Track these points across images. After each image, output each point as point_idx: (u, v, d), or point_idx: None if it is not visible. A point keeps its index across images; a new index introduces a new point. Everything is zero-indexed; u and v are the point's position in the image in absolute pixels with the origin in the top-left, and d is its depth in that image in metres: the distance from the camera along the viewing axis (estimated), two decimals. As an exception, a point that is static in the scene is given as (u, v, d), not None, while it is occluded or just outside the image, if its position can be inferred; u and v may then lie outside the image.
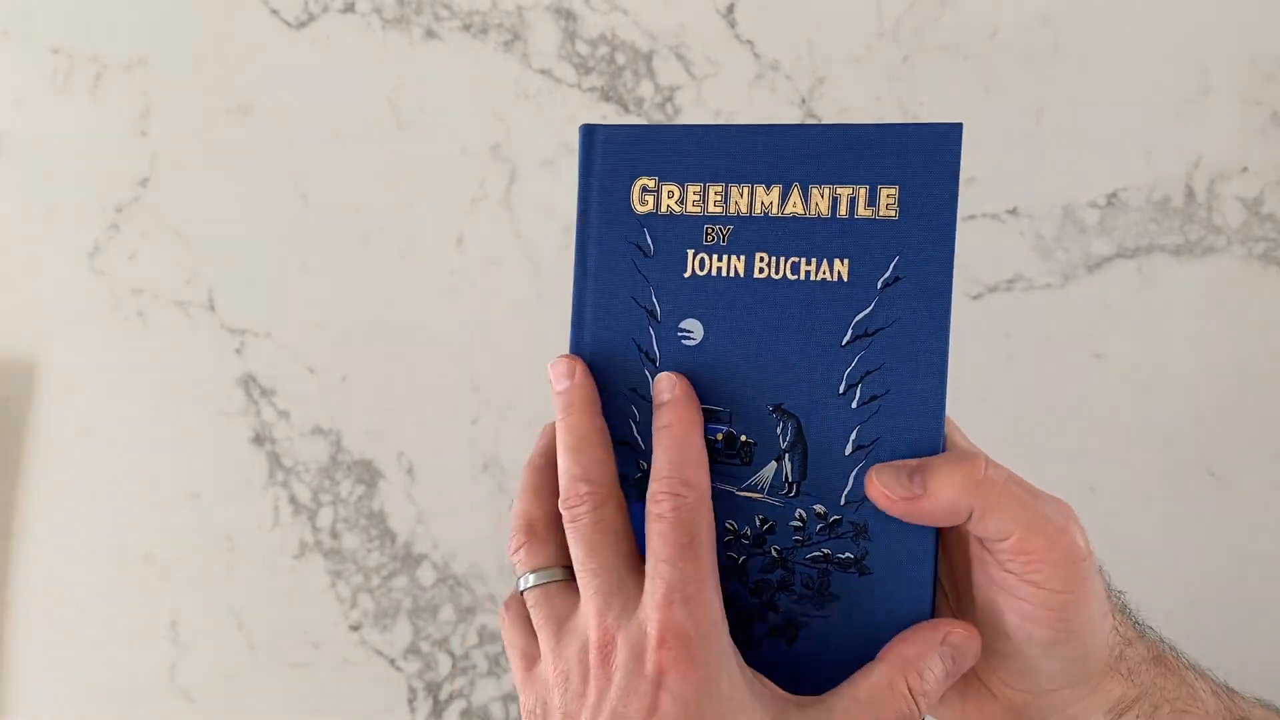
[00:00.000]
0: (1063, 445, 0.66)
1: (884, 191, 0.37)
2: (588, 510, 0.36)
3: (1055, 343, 0.66)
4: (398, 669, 0.76)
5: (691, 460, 0.36)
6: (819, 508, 0.38)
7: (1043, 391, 0.66)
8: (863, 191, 0.37)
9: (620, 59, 0.68)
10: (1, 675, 0.77)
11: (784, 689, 0.37)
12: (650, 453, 0.39)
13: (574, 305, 0.40)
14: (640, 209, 0.39)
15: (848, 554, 0.38)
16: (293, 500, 0.74)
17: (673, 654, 0.33)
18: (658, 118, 0.68)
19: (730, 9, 0.67)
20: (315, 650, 0.76)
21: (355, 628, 0.76)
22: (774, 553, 0.39)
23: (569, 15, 0.68)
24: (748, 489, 0.38)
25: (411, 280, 0.71)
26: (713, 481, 0.38)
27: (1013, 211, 0.66)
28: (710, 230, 0.38)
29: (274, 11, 0.69)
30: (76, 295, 0.73)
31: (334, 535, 0.75)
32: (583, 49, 0.68)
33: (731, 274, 0.38)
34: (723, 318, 0.38)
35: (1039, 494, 0.35)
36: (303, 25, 0.69)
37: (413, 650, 0.75)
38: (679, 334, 0.39)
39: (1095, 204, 0.66)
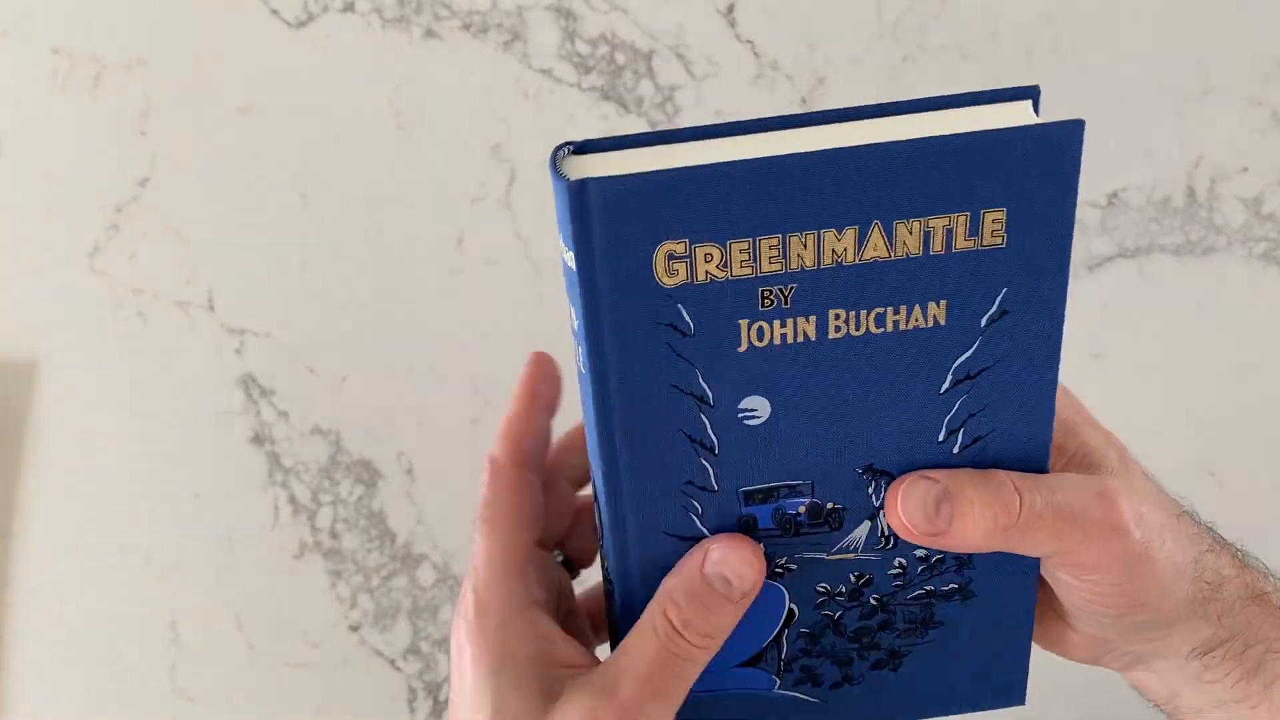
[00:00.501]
0: (1063, 445, 0.66)
1: (989, 216, 0.30)
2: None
3: (1055, 343, 0.66)
4: (398, 669, 0.76)
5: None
6: (919, 551, 0.34)
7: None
8: (962, 220, 0.30)
9: (620, 59, 0.68)
10: (1, 675, 0.77)
11: (891, 712, 0.36)
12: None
13: (594, 400, 0.32)
14: (669, 282, 0.30)
15: (952, 585, 0.35)
16: (292, 500, 0.74)
17: None
18: (658, 117, 0.68)
19: (730, 9, 0.67)
20: (315, 650, 0.76)
21: (355, 628, 0.75)
22: (873, 601, 0.35)
23: (569, 15, 0.68)
24: (839, 552, 0.34)
25: (411, 280, 0.71)
26: (798, 551, 0.34)
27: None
28: (768, 294, 0.30)
29: (274, 11, 0.69)
30: (76, 295, 0.73)
31: (334, 535, 0.75)
32: (583, 49, 0.68)
33: (800, 339, 0.31)
34: (793, 388, 0.31)
35: (1080, 500, 0.32)
36: (302, 25, 0.69)
37: (413, 650, 0.75)
38: (739, 415, 0.32)
39: (1096, 204, 0.66)
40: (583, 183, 0.29)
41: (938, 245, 0.30)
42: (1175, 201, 0.66)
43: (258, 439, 0.74)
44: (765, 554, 0.34)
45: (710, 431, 0.32)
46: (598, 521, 0.35)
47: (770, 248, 0.29)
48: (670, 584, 0.33)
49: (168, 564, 0.75)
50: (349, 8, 0.69)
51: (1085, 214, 0.66)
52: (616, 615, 0.36)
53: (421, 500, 0.74)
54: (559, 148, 0.31)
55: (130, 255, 0.72)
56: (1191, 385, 0.66)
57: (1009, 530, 0.32)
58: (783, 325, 0.31)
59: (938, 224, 0.30)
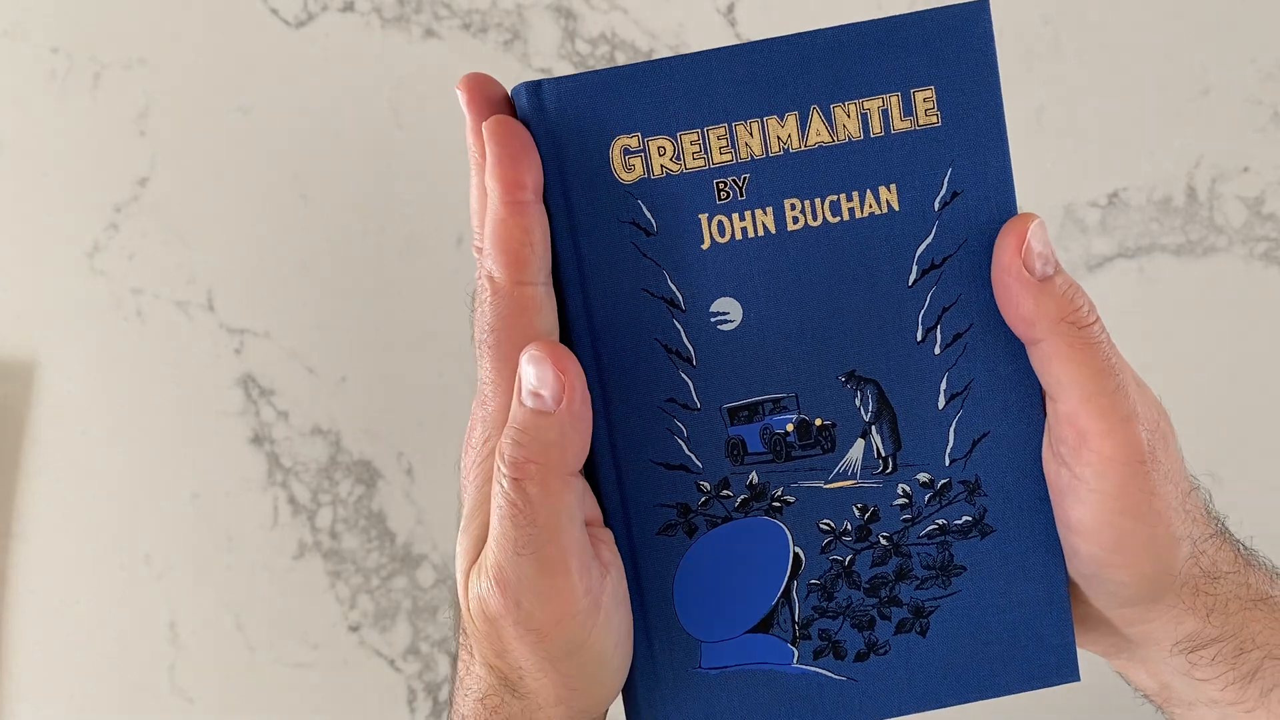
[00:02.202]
0: (1063, 445, 0.66)
1: (919, 96, 0.31)
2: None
3: (1056, 343, 0.66)
4: (397, 670, 0.76)
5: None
6: (923, 476, 0.33)
7: (1043, 392, 0.66)
8: (895, 100, 0.31)
9: (620, 58, 0.68)
10: (1, 675, 0.77)
11: (928, 691, 0.34)
12: (711, 470, 0.33)
13: (571, 315, 0.32)
14: (627, 177, 0.31)
15: (965, 517, 0.33)
16: (292, 500, 0.74)
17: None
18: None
19: (730, 9, 0.67)
20: (315, 651, 0.76)
21: (355, 628, 0.75)
22: (883, 541, 0.33)
23: (569, 14, 0.68)
24: (837, 478, 0.33)
25: (411, 280, 0.71)
26: (794, 480, 0.33)
27: (1013, 211, 0.66)
28: (722, 185, 0.31)
29: (273, 11, 0.69)
30: (76, 295, 0.73)
31: (333, 536, 0.75)
32: (583, 48, 0.68)
33: (760, 232, 0.31)
34: (762, 287, 0.32)
35: (1131, 379, 0.31)
36: (302, 25, 0.69)
37: (412, 651, 0.75)
38: (713, 319, 0.32)
39: (1096, 204, 0.66)
40: (538, 83, 0.31)
41: (876, 127, 0.31)
42: (1175, 201, 0.66)
43: (258, 439, 0.74)
44: (759, 485, 0.33)
45: (685, 339, 0.32)
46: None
47: (719, 138, 0.31)
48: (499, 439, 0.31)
49: (168, 564, 0.75)
50: (349, 7, 0.69)
51: (1085, 214, 0.66)
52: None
53: (421, 500, 0.74)
54: (520, 85, 0.32)
55: (130, 255, 0.72)
56: (1191, 385, 0.66)
57: (1081, 328, 0.30)
58: (741, 219, 0.32)
59: (872, 105, 0.31)
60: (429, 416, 0.73)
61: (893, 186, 0.32)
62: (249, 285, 0.72)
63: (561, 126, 0.31)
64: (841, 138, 0.31)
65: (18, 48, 0.70)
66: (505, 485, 0.30)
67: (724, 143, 0.31)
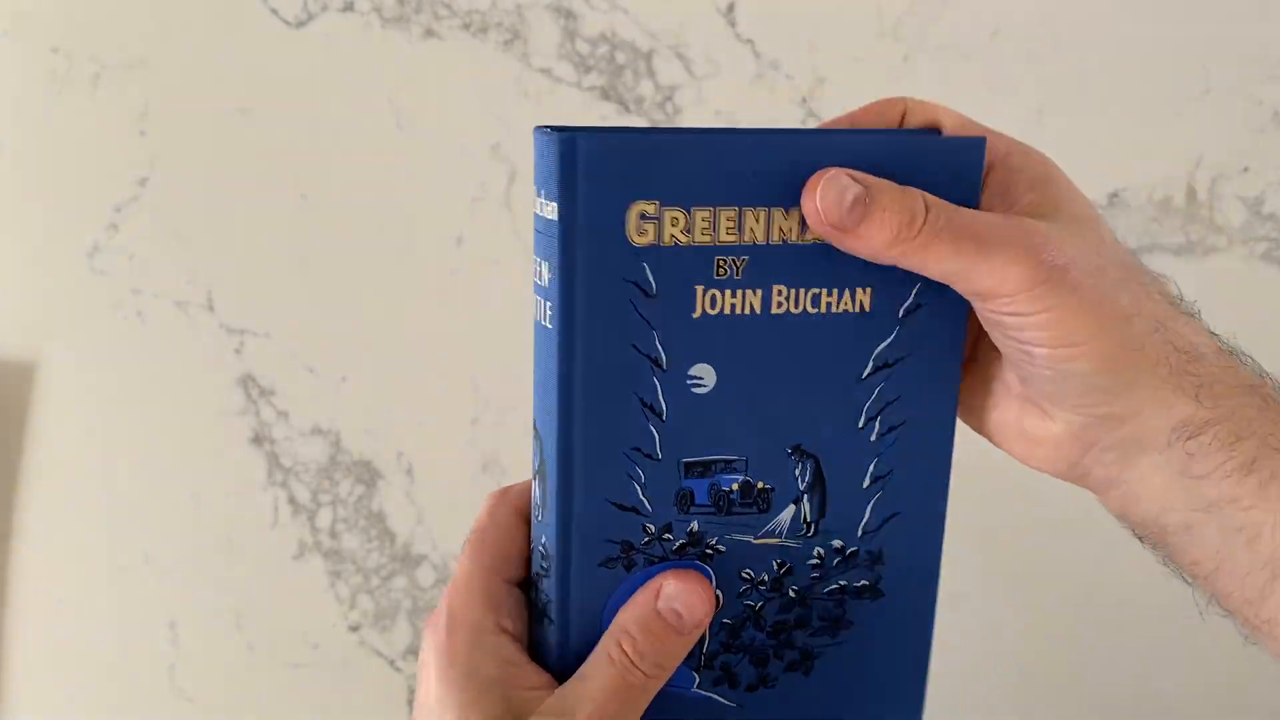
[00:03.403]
0: (1063, 445, 0.66)
1: None
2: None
3: (1056, 343, 0.66)
4: (397, 669, 0.76)
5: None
6: (837, 542, 0.37)
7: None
8: None
9: (620, 58, 0.68)
10: (1, 675, 0.77)
11: (802, 716, 0.38)
12: (658, 515, 0.36)
13: (558, 354, 0.34)
14: (639, 240, 0.33)
15: (863, 581, 0.38)
16: (292, 500, 0.74)
17: None
18: (658, 117, 0.68)
19: (730, 8, 0.67)
20: (314, 651, 0.76)
21: (355, 628, 0.75)
22: (792, 593, 0.37)
23: (569, 14, 0.68)
24: (765, 535, 0.36)
25: (411, 280, 0.71)
26: (728, 533, 0.36)
27: (1013, 211, 0.66)
28: (723, 263, 0.34)
29: (273, 11, 0.69)
30: (76, 295, 0.73)
31: (333, 535, 0.75)
32: (583, 48, 0.68)
33: (747, 311, 0.34)
34: (737, 360, 0.35)
35: (991, 223, 0.32)
36: (302, 25, 0.69)
37: (412, 651, 0.75)
38: (688, 381, 0.34)
39: (1096, 204, 0.66)
40: (573, 137, 0.32)
41: None
42: (1175, 201, 0.66)
43: (257, 439, 0.74)
44: (697, 533, 0.36)
45: (660, 396, 0.34)
46: (537, 501, 0.37)
47: (728, 219, 0.33)
48: (625, 617, 0.35)
49: (168, 564, 0.75)
50: (349, 7, 0.69)
51: (1085, 214, 0.66)
52: (549, 598, 0.37)
53: (421, 500, 0.74)
54: (540, 127, 0.33)
55: (130, 255, 0.72)
56: (1192, 385, 0.66)
57: (910, 241, 0.32)
58: (733, 295, 0.34)
59: None
60: (429, 416, 0.73)
61: (868, 289, 0.35)
62: (249, 285, 0.72)
63: (587, 180, 0.32)
64: None
65: (18, 48, 0.70)
66: (636, 678, 0.35)
67: (732, 224, 0.33)
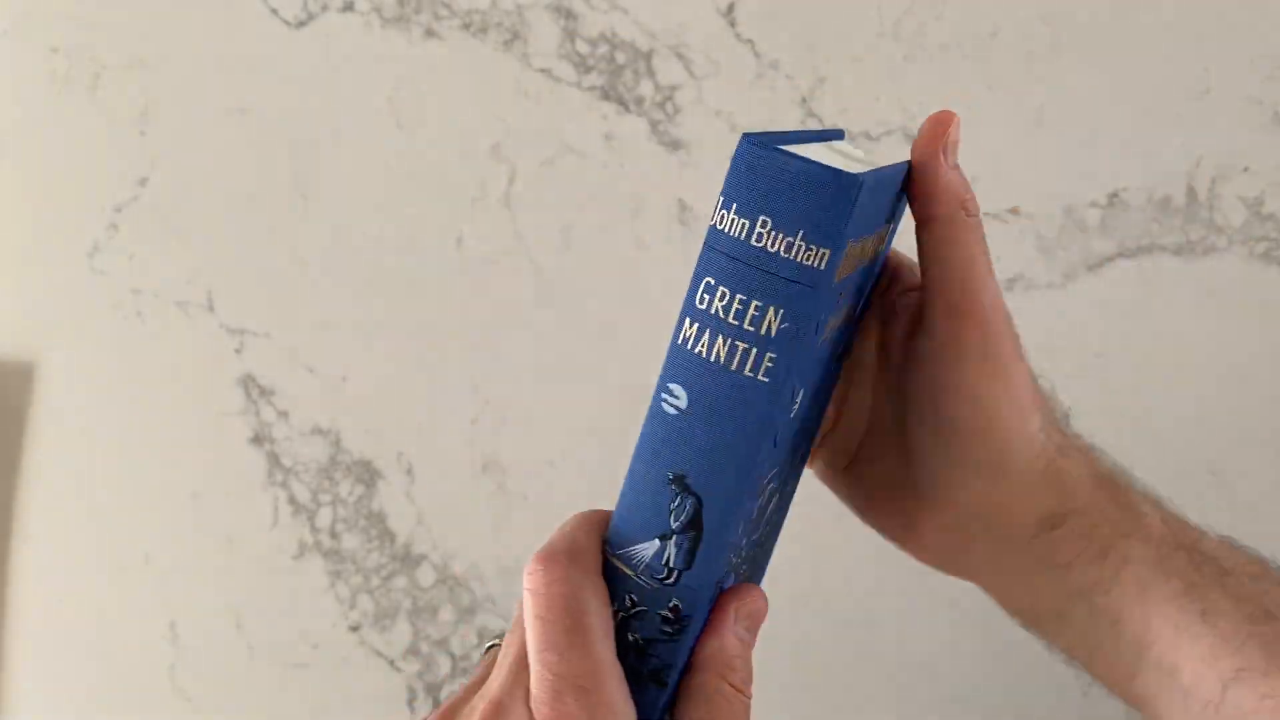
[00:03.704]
0: (1063, 445, 0.66)
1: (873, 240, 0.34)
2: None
3: (1056, 342, 0.66)
4: (397, 670, 0.76)
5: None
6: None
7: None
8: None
9: (620, 58, 0.68)
10: (1, 675, 0.77)
11: None
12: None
13: (774, 411, 0.30)
14: (838, 276, 0.29)
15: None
16: (292, 500, 0.74)
17: None
18: (658, 117, 0.68)
19: (730, 8, 0.67)
20: (314, 651, 0.76)
21: (355, 628, 0.75)
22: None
23: (569, 14, 0.68)
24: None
25: (411, 280, 0.71)
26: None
27: (1014, 211, 0.66)
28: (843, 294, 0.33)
29: (273, 11, 0.69)
30: (76, 295, 0.73)
31: (333, 535, 0.75)
32: (583, 48, 0.68)
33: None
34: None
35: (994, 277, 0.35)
36: (302, 25, 0.69)
37: (412, 651, 0.75)
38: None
39: (1096, 204, 0.66)
40: (858, 178, 0.27)
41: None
42: (1175, 201, 0.66)
43: (258, 439, 0.74)
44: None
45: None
46: (662, 562, 0.32)
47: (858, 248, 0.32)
48: (713, 647, 0.33)
49: (168, 564, 0.75)
50: (348, 7, 0.69)
51: (1085, 214, 0.66)
52: (666, 663, 0.33)
53: (421, 500, 0.74)
54: (778, 149, 0.28)
55: (130, 255, 0.72)
56: (1191, 385, 0.66)
57: (965, 210, 0.34)
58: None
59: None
60: (429, 416, 0.73)
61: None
62: (248, 285, 0.72)
63: (856, 222, 0.28)
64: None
65: (18, 48, 0.70)
66: (742, 705, 0.34)
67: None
